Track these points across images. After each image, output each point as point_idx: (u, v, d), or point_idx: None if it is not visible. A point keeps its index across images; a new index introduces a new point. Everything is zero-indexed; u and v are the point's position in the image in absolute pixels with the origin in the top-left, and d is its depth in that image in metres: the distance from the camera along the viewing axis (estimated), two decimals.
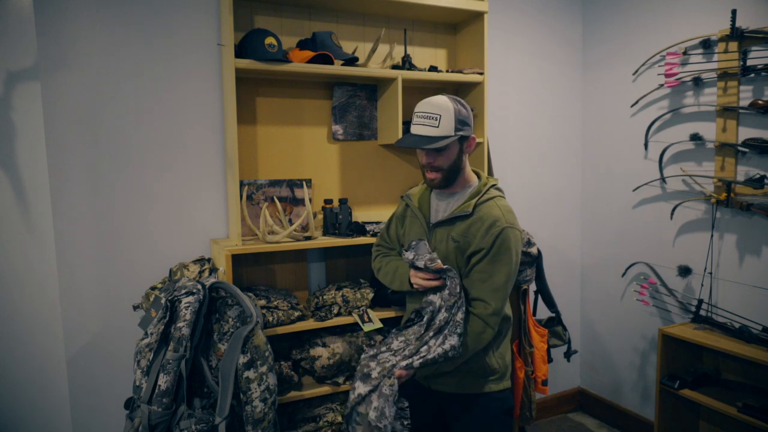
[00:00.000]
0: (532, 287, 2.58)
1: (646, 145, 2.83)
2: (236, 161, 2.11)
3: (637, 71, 2.85)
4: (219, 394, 1.71)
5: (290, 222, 2.36)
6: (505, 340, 1.79)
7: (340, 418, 2.20)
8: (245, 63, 2.07)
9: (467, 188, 1.73)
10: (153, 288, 2.12)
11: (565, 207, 3.25)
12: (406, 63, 2.43)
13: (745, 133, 2.38)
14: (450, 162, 1.65)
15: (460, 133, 1.62)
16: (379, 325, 2.22)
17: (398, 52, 2.52)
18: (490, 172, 2.64)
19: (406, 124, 2.44)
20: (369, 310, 2.28)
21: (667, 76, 2.64)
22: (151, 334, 1.78)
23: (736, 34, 2.33)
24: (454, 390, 1.75)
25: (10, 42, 2.09)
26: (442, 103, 1.62)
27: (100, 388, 2.19)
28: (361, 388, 1.60)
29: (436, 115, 1.60)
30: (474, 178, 1.76)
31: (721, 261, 2.53)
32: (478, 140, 2.54)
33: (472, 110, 2.55)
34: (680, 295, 2.73)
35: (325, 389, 2.19)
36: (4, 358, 2.25)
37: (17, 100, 2.11)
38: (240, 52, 2.12)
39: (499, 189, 1.75)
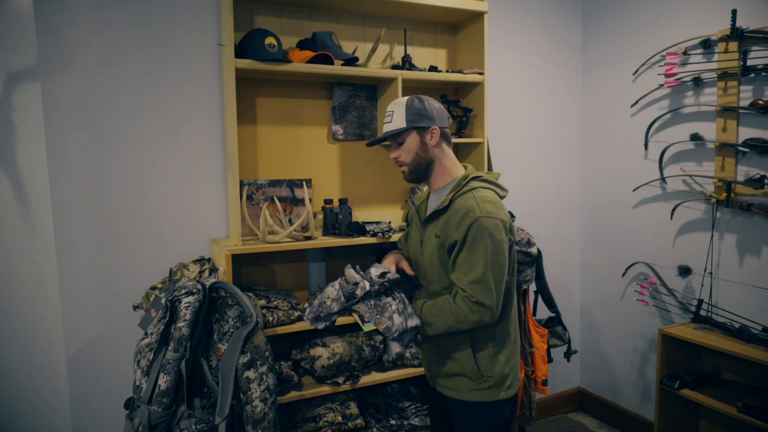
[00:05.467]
0: (532, 287, 2.58)
1: (646, 145, 2.83)
2: (236, 161, 2.11)
3: (637, 71, 2.85)
4: (219, 394, 1.71)
5: (290, 222, 2.36)
6: (504, 351, 1.73)
7: (340, 418, 2.20)
8: (245, 63, 2.07)
9: (451, 183, 1.75)
10: (153, 288, 2.12)
11: (565, 207, 3.25)
12: (406, 63, 2.43)
13: (745, 133, 2.38)
14: (412, 155, 1.73)
15: (413, 125, 1.70)
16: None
17: (398, 52, 2.52)
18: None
19: None
20: None
21: (667, 76, 2.64)
22: (151, 334, 1.77)
23: (736, 34, 2.33)
24: (452, 395, 1.77)
25: (10, 42, 2.09)
26: (398, 100, 1.76)
27: (100, 388, 2.19)
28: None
29: (390, 111, 1.75)
30: (459, 171, 1.77)
31: (721, 261, 2.53)
32: (477, 140, 2.56)
33: (470, 111, 2.59)
34: (680, 295, 2.73)
35: (325, 389, 2.19)
36: (4, 358, 2.25)
37: (17, 100, 2.11)
38: (240, 52, 2.12)
39: (485, 181, 1.72)
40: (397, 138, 1.74)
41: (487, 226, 1.59)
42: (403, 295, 1.71)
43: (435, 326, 1.68)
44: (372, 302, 1.69)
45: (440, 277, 1.72)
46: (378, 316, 1.64)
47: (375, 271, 1.74)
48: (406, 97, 1.75)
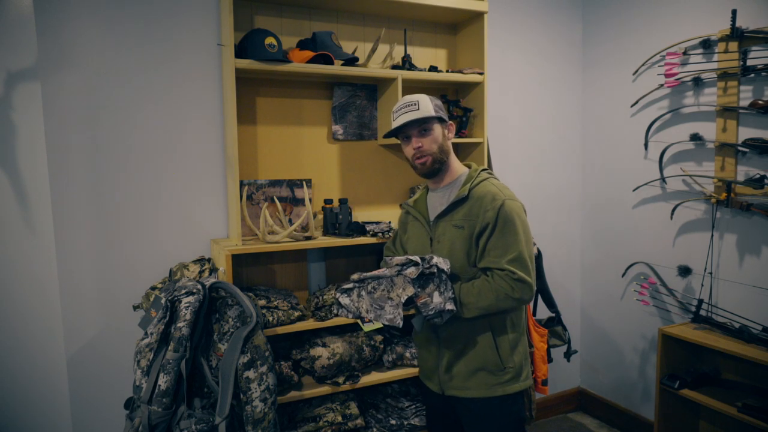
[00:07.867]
0: None
1: (646, 145, 2.83)
2: (236, 161, 2.11)
3: (637, 71, 2.85)
4: (219, 394, 1.71)
5: (290, 222, 2.36)
6: (522, 338, 1.78)
7: (340, 418, 2.20)
8: (245, 63, 2.07)
9: (459, 178, 1.80)
10: (153, 288, 2.12)
11: (565, 207, 3.25)
12: (406, 63, 2.43)
13: (745, 133, 2.38)
14: (437, 144, 1.74)
15: (438, 116, 1.75)
16: (379, 325, 2.22)
17: (398, 52, 2.52)
18: None
19: None
20: None
21: (667, 76, 2.64)
22: (151, 334, 1.78)
23: (736, 34, 2.33)
24: (468, 395, 1.73)
25: (10, 42, 2.09)
26: (415, 95, 1.77)
27: (100, 388, 2.19)
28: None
29: (414, 101, 1.75)
30: (463, 168, 1.83)
31: (721, 261, 2.53)
32: (477, 140, 2.56)
33: (470, 110, 2.59)
34: (680, 295, 2.73)
35: (325, 389, 2.19)
36: (4, 357, 2.25)
37: (17, 100, 2.11)
38: (240, 52, 2.12)
39: (491, 174, 1.81)
40: (424, 124, 1.73)
41: (514, 208, 1.67)
42: (449, 279, 1.70)
43: (473, 306, 1.65)
44: (417, 277, 1.68)
45: (463, 268, 1.71)
46: (419, 289, 1.64)
47: (443, 263, 1.70)
48: (423, 94, 1.77)
